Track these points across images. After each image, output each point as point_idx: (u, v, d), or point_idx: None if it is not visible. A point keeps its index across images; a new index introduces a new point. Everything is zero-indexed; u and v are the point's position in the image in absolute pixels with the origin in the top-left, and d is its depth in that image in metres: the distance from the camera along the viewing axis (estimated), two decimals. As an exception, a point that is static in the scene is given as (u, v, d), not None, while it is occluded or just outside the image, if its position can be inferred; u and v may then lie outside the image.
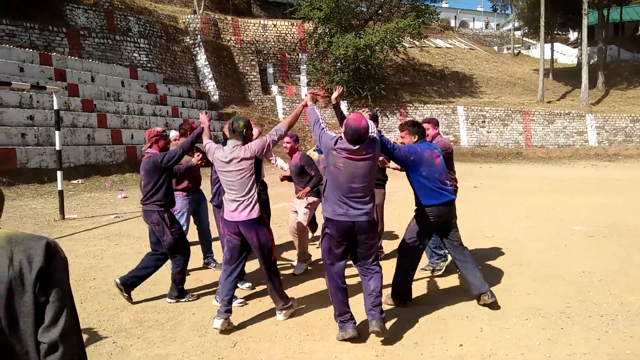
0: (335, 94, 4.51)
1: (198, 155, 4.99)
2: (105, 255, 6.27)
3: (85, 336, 3.71)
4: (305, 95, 4.12)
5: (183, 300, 4.55)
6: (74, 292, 4.64)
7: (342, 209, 3.66)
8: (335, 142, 3.67)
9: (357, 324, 3.76)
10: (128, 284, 4.41)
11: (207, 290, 4.89)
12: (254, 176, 3.86)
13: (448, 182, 4.50)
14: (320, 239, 3.91)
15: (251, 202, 3.85)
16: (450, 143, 5.61)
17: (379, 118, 26.16)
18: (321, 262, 5.79)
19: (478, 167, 20.27)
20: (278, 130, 4.03)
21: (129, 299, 4.41)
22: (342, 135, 3.71)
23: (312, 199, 5.61)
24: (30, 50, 17.03)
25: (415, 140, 4.47)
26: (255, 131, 4.72)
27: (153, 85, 20.75)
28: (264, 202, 4.48)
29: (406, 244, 4.43)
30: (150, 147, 4.63)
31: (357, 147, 3.63)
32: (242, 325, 3.97)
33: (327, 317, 4.13)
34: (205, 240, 5.78)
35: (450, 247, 4.52)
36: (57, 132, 8.86)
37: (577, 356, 3.40)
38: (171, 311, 4.26)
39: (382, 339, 3.62)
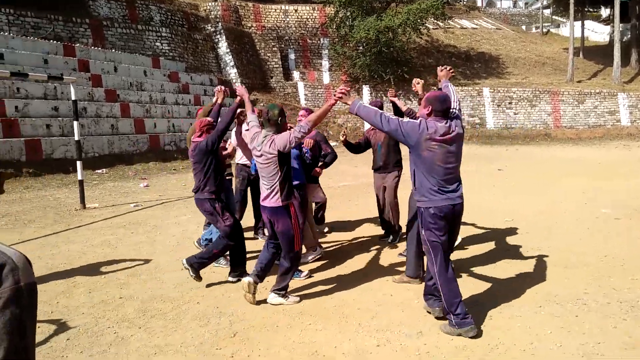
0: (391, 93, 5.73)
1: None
2: (120, 244, 6.32)
3: (88, 328, 3.73)
4: (334, 95, 3.82)
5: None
6: (86, 280, 4.72)
7: (442, 195, 3.53)
8: (425, 127, 3.50)
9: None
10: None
11: (217, 280, 4.86)
12: (278, 167, 3.99)
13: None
14: (422, 229, 3.63)
15: (275, 190, 4.01)
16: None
17: (403, 101, 25.84)
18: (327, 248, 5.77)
19: (504, 149, 19.76)
20: (302, 128, 3.95)
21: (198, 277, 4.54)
22: (427, 114, 3.57)
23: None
24: (54, 41, 17.29)
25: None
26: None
27: (175, 74, 20.87)
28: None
29: (414, 226, 4.48)
30: (199, 136, 4.68)
31: (446, 124, 3.51)
32: (245, 315, 3.92)
33: (332, 306, 4.05)
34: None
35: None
36: (75, 123, 8.97)
37: (590, 345, 3.23)
38: (176, 300, 4.24)
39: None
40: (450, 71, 4.20)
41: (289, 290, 4.22)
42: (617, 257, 5.17)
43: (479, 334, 3.43)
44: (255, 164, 5.30)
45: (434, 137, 3.46)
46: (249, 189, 6.35)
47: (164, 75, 20.38)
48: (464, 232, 6.38)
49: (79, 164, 9.00)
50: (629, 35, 32.18)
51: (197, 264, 4.48)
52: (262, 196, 4.15)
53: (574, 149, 19.50)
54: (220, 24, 25.38)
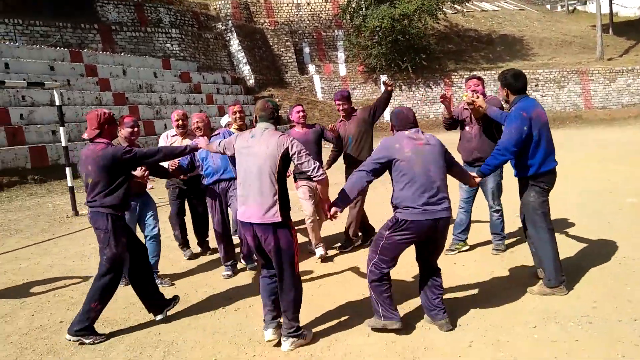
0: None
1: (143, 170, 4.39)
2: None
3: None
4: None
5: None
6: (36, 300, 4.31)
7: (421, 207, 3.22)
8: (392, 140, 3.38)
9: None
10: None
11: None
12: (278, 169, 3.20)
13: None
14: (385, 236, 3.32)
15: (273, 201, 3.17)
16: None
17: (422, 89, 24.98)
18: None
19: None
20: (319, 172, 3.26)
21: None
22: (390, 130, 3.56)
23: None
24: (61, 48, 17.22)
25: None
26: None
27: (186, 74, 20.61)
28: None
29: (536, 226, 3.89)
30: (99, 134, 3.69)
31: (414, 129, 3.40)
32: (183, 346, 3.38)
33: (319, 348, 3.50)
34: (155, 250, 4.80)
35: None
36: (61, 129, 8.66)
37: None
38: (119, 323, 3.75)
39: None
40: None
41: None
42: (638, 259, 4.42)
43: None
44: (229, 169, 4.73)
45: (404, 143, 3.31)
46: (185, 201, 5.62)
47: (175, 75, 20.15)
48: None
49: (68, 170, 8.70)
50: (663, 8, 30.34)
51: (82, 331, 3.50)
52: (245, 209, 3.24)
53: (606, 131, 18.33)
54: (230, 21, 25.01)
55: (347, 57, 26.88)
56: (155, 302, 3.87)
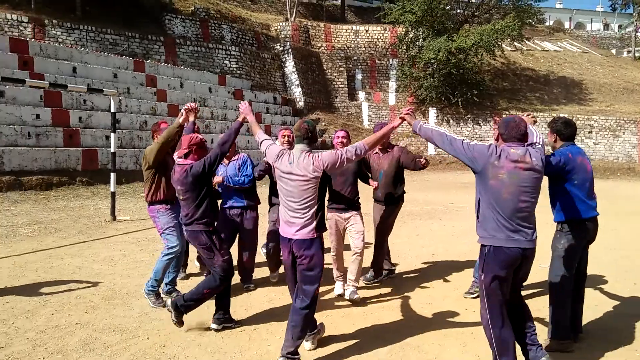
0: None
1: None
2: (122, 261, 6.22)
3: (16, 357, 3.48)
4: (401, 117, 3.61)
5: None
6: (59, 300, 4.58)
7: (506, 234, 3.08)
8: (495, 151, 3.13)
9: None
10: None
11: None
12: (317, 190, 3.45)
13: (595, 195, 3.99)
14: (480, 271, 3.22)
15: (309, 219, 3.43)
16: None
17: (471, 125, 24.68)
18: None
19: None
20: (358, 149, 3.45)
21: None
22: (495, 139, 3.32)
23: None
24: (126, 57, 18.23)
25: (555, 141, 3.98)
26: None
27: (239, 92, 21.31)
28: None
29: (556, 273, 3.85)
30: (186, 156, 4.02)
31: (522, 150, 3.10)
32: None
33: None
34: (177, 265, 4.94)
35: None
36: (112, 135, 9.17)
37: None
38: (129, 332, 3.94)
39: None
40: (531, 117, 3.88)
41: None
42: (658, 326, 4.23)
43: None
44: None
45: (504, 162, 3.07)
46: None
47: (229, 92, 20.86)
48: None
49: (112, 175, 9.17)
50: None
51: (183, 307, 3.86)
52: (286, 225, 3.50)
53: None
54: (288, 43, 25.72)
55: (398, 86, 27.02)
56: (221, 315, 4.08)
